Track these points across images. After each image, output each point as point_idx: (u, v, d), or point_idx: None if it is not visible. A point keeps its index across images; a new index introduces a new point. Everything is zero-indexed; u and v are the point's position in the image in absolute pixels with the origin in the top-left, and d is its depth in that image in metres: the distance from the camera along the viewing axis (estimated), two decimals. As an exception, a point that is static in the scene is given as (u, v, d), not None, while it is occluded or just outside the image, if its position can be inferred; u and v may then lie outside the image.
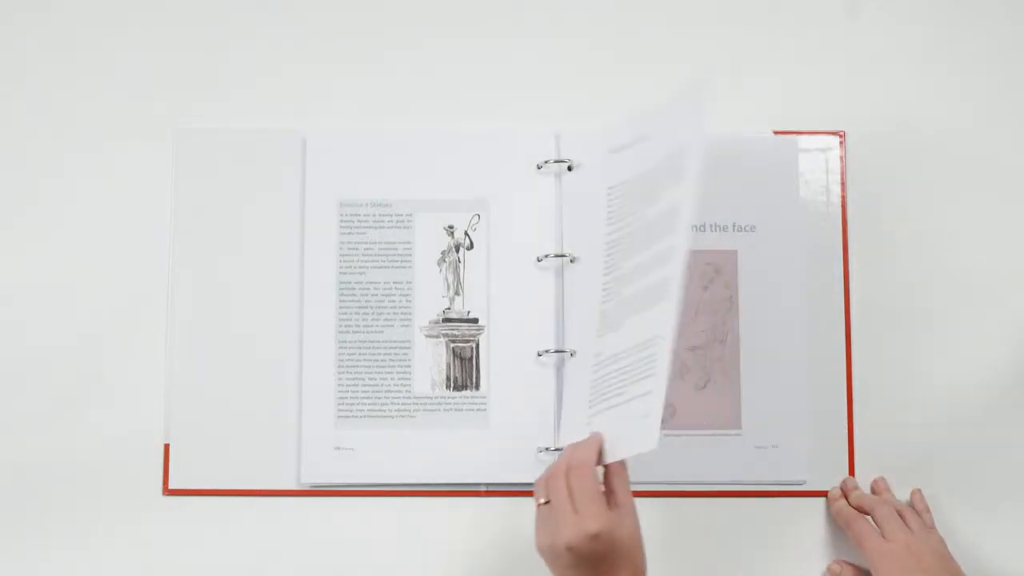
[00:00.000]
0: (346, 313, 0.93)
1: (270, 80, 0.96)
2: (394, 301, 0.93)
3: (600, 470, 0.78)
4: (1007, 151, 0.96)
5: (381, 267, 0.94)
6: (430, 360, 0.93)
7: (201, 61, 0.96)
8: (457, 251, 0.94)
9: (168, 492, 0.92)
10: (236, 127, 0.95)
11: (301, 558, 0.91)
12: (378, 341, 0.93)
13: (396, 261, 0.94)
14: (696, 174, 0.78)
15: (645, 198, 0.84)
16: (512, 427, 0.92)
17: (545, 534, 0.75)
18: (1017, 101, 0.97)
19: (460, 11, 0.97)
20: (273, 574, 0.91)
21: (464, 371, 0.93)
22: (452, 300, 0.93)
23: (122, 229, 0.94)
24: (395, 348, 0.93)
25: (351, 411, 0.92)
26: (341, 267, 0.93)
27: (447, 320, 0.93)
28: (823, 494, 0.92)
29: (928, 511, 0.90)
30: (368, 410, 0.92)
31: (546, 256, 0.93)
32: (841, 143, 0.96)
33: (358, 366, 0.92)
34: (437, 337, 0.93)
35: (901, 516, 0.88)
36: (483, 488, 0.91)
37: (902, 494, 0.92)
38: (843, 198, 0.95)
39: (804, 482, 0.92)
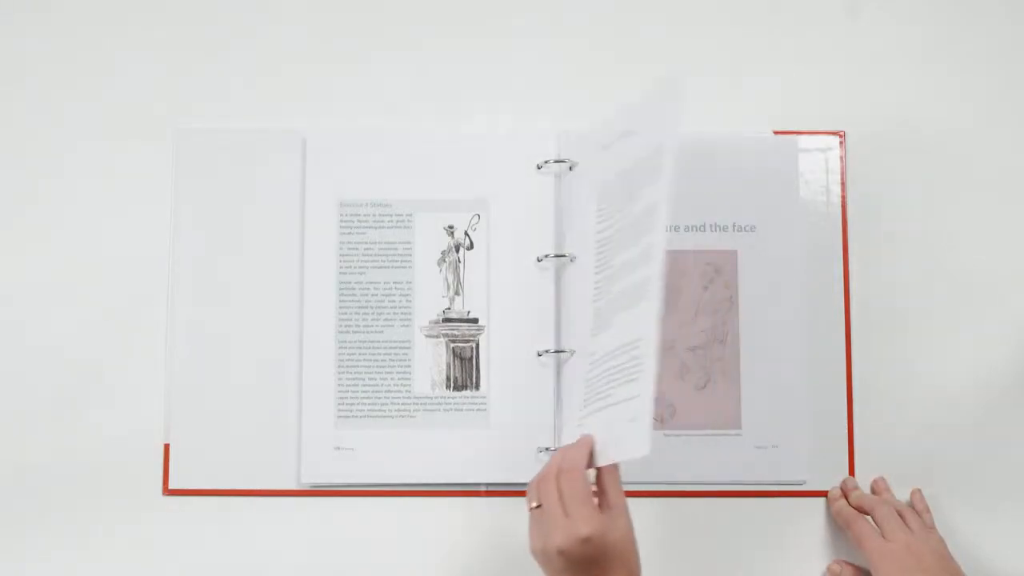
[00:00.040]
0: (346, 313, 0.93)
1: (270, 80, 0.96)
2: (394, 301, 0.93)
3: (592, 472, 0.78)
4: (1007, 151, 0.96)
5: (381, 267, 0.94)
6: (430, 360, 0.93)
7: (201, 61, 0.96)
8: (457, 251, 0.94)
9: (168, 492, 0.92)
10: (236, 127, 0.95)
11: (301, 558, 0.91)
12: (378, 341, 0.93)
13: (396, 261, 0.94)
14: (672, 172, 0.78)
15: (628, 195, 0.84)
16: (512, 427, 0.92)
17: (537, 538, 0.75)
18: (1017, 101, 0.97)
19: (460, 11, 0.97)
20: (273, 574, 0.91)
21: (464, 371, 0.93)
22: (452, 300, 0.93)
23: (122, 229, 0.94)
24: (395, 348, 0.93)
25: (351, 411, 0.92)
26: (341, 267, 0.93)
27: (447, 320, 0.93)
28: (823, 494, 0.92)
29: (928, 511, 0.90)
30: (368, 410, 0.92)
31: (546, 256, 0.93)
32: (841, 143, 0.96)
33: (358, 366, 0.92)
34: (437, 337, 0.93)
35: (901, 516, 0.88)
36: (483, 488, 0.91)
37: (902, 494, 0.92)
38: (843, 198, 0.95)
39: (804, 482, 0.92)
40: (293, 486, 0.92)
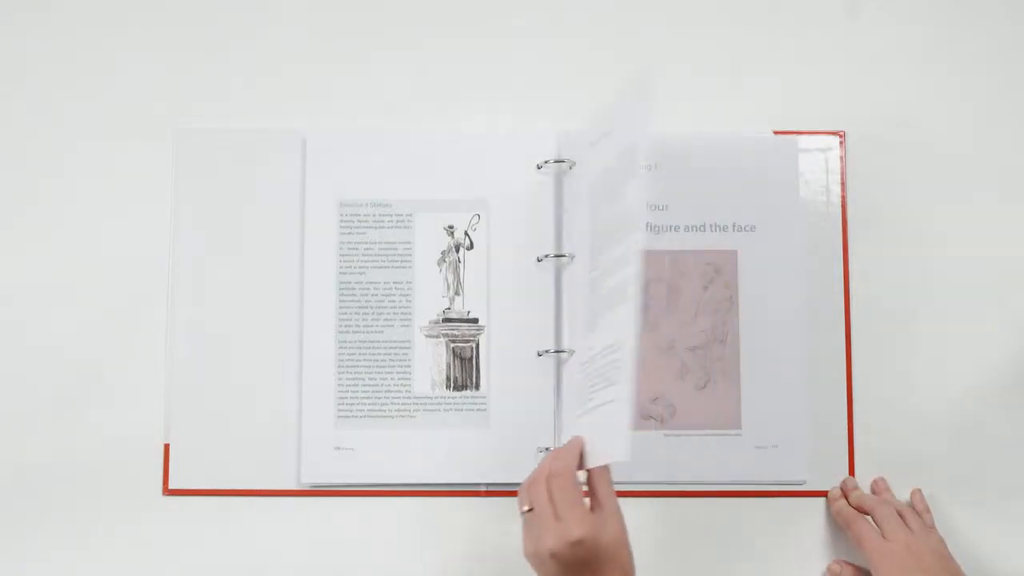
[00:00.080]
0: (346, 313, 0.93)
1: (270, 80, 0.96)
2: (394, 301, 0.93)
3: (584, 473, 0.78)
4: (1007, 151, 0.96)
5: (381, 267, 0.94)
6: (430, 360, 0.93)
7: (201, 61, 0.96)
8: (457, 251, 0.94)
9: (168, 492, 0.92)
10: (236, 127, 0.95)
11: (301, 558, 0.91)
12: (378, 341, 0.93)
13: (396, 261, 0.94)
14: (644, 172, 0.78)
15: (610, 194, 0.84)
16: (512, 427, 0.92)
17: (530, 541, 0.75)
18: (1017, 101, 0.97)
19: (460, 11, 0.97)
20: (273, 574, 0.91)
21: (464, 371, 0.93)
22: (452, 300, 0.93)
23: (122, 229, 0.94)
24: (395, 348, 0.93)
25: (351, 411, 0.92)
26: (341, 267, 0.93)
27: (447, 320, 0.93)
28: (823, 494, 0.92)
29: (928, 511, 0.90)
30: (368, 410, 0.92)
31: (546, 256, 0.93)
32: (841, 143, 0.96)
33: (358, 366, 0.92)
34: (437, 337, 0.93)
35: (901, 516, 0.88)
36: (483, 488, 0.91)
37: (902, 494, 0.92)
38: (843, 198, 0.95)
39: (804, 482, 0.92)
40: (293, 486, 0.92)
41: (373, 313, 0.93)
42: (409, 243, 0.94)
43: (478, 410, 0.92)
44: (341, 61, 0.97)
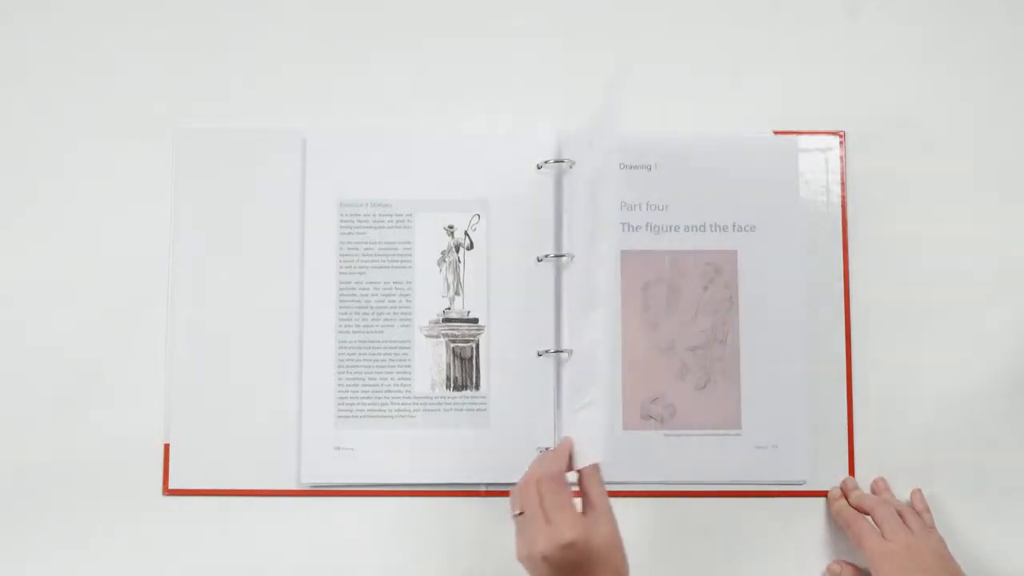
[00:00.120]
0: (346, 313, 0.93)
1: (270, 80, 0.96)
2: (394, 301, 0.93)
3: (574, 474, 0.78)
4: (1007, 151, 0.96)
5: (381, 267, 0.94)
6: (430, 360, 0.93)
7: (201, 61, 0.96)
8: (457, 251, 0.94)
9: (168, 492, 0.92)
10: (236, 127, 0.95)
11: (301, 558, 0.91)
12: (378, 341, 0.93)
13: (396, 261, 0.94)
14: (616, 176, 0.78)
15: (595, 195, 0.84)
16: (512, 427, 0.92)
17: (522, 544, 0.75)
18: (1017, 101, 0.97)
19: (460, 11, 0.97)
20: (273, 574, 0.91)
21: (464, 371, 0.93)
22: (452, 300, 0.93)
23: (122, 229, 0.94)
24: (395, 348, 0.93)
25: (351, 411, 0.92)
26: (341, 267, 0.93)
27: (447, 320, 0.93)
28: (823, 494, 0.92)
29: (928, 511, 0.90)
30: (368, 410, 0.92)
31: (546, 256, 0.93)
32: (841, 143, 0.96)
33: (358, 366, 0.92)
34: (437, 337, 0.93)
35: (901, 516, 0.88)
36: (483, 488, 0.91)
37: (902, 494, 0.92)
38: (843, 198, 0.95)
39: (804, 482, 0.92)
40: (293, 486, 0.92)
41: (373, 313, 0.93)
42: (409, 243, 0.94)
43: (478, 410, 0.92)
44: (341, 61, 0.97)
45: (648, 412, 0.92)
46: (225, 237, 0.94)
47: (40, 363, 0.93)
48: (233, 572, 0.91)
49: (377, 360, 0.93)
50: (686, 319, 0.93)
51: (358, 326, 0.93)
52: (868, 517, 0.89)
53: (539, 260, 0.93)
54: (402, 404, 0.92)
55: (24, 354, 0.93)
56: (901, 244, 0.95)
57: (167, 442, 0.92)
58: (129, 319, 0.93)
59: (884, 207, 0.95)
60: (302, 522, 0.92)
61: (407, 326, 0.93)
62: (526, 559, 0.75)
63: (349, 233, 0.94)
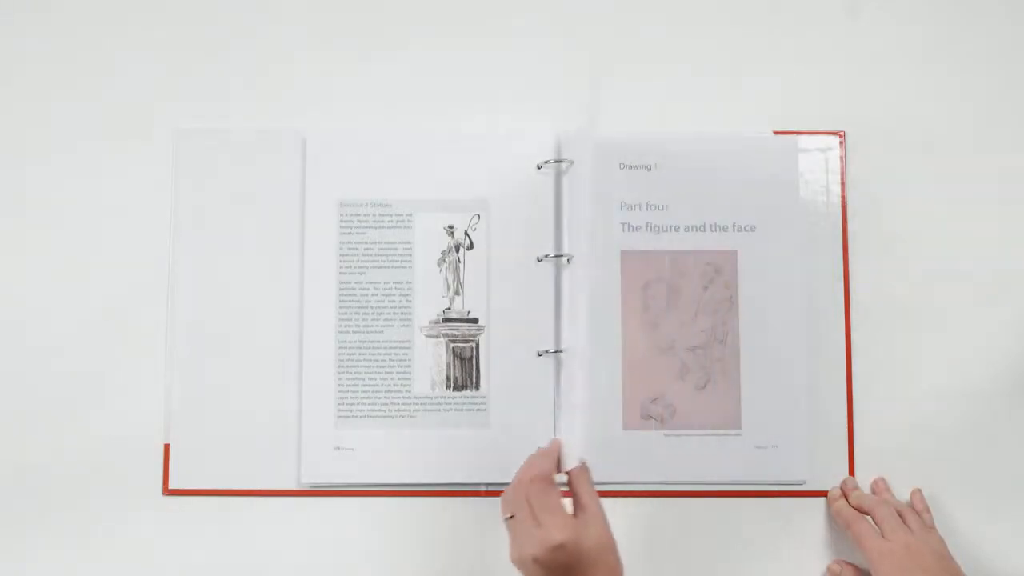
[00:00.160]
0: (346, 313, 0.93)
1: (270, 80, 0.96)
2: (394, 301, 0.93)
3: (564, 476, 0.79)
4: (1007, 151, 0.96)
5: (381, 267, 0.94)
6: (430, 360, 0.93)
7: (201, 61, 0.96)
8: (457, 251, 0.94)
9: (168, 492, 0.92)
10: (236, 127, 0.95)
11: (301, 558, 0.91)
12: (378, 341, 0.93)
13: (396, 261, 0.94)
14: (590, 184, 0.79)
15: (587, 199, 0.85)
16: (512, 427, 0.92)
17: (515, 547, 0.76)
18: (1017, 101, 0.97)
19: (460, 11, 0.97)
20: (273, 574, 0.91)
21: (464, 371, 0.93)
22: (452, 300, 0.93)
23: (122, 229, 0.94)
24: (395, 348, 0.93)
25: (351, 411, 0.92)
26: (341, 267, 0.93)
27: (447, 320, 0.93)
28: (823, 494, 0.92)
29: (928, 511, 0.90)
30: (368, 410, 0.92)
31: (546, 256, 0.93)
32: (841, 143, 0.96)
33: (358, 366, 0.92)
34: (437, 337, 0.93)
35: (901, 516, 0.88)
36: (483, 488, 0.91)
37: (902, 494, 0.92)
38: (843, 198, 0.95)
39: (804, 482, 0.92)
40: (293, 486, 0.92)
41: (373, 313, 0.93)
42: (409, 243, 0.94)
43: (478, 410, 0.92)
44: (341, 61, 0.97)
45: (648, 412, 0.92)
46: (225, 237, 0.94)
47: (40, 363, 0.93)
48: (233, 572, 0.91)
49: (377, 360, 0.92)
50: (686, 319, 0.93)
51: (358, 326, 0.93)
52: (868, 517, 0.89)
53: (539, 260, 0.93)
54: (402, 404, 0.92)
55: (24, 354, 0.93)
56: (901, 244, 0.95)
57: (167, 442, 0.92)
58: (129, 319, 0.93)
59: (884, 207, 0.95)
60: (302, 522, 0.92)
61: (407, 326, 0.93)
62: (518, 562, 0.75)
63: (349, 233, 0.94)
